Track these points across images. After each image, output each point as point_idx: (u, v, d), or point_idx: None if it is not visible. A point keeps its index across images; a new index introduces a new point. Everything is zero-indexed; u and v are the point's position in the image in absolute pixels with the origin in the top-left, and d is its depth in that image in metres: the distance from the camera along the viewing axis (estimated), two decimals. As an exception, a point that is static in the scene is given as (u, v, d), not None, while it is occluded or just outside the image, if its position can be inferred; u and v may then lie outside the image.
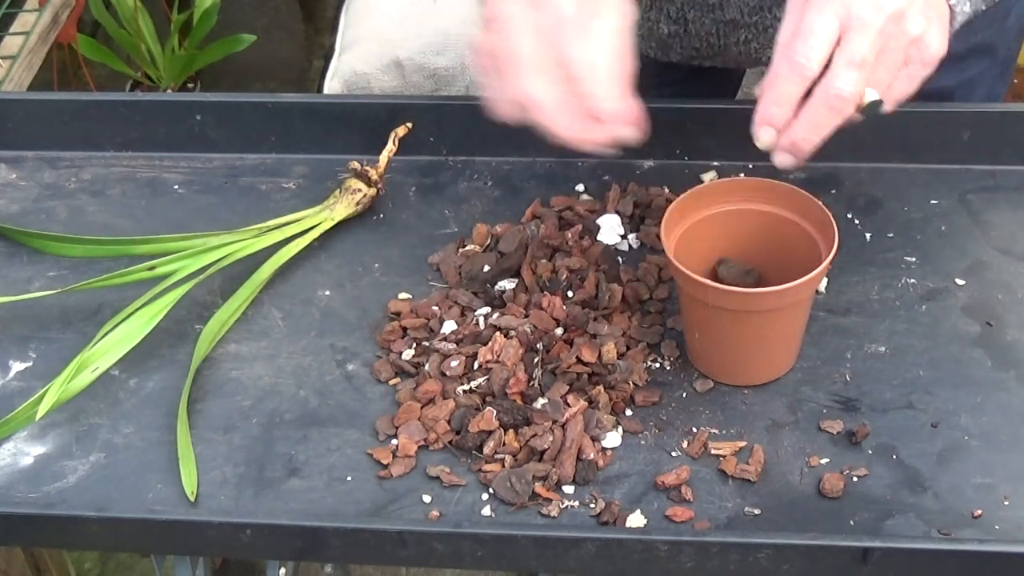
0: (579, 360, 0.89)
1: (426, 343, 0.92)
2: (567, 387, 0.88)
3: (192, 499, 0.83)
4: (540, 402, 0.87)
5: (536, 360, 0.89)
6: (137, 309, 0.92)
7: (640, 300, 0.94)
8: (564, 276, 0.95)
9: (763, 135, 0.80)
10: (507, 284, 0.95)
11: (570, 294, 0.94)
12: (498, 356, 0.89)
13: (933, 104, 1.09)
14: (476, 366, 0.90)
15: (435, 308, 0.95)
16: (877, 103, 0.79)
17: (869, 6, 0.76)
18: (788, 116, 0.78)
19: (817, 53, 0.76)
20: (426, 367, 0.90)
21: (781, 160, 0.81)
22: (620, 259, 0.98)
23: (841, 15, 0.76)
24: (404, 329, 0.94)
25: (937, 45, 0.80)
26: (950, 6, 0.82)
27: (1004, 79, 1.16)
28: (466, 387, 0.88)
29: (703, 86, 1.21)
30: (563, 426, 0.85)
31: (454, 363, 0.90)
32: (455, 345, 0.91)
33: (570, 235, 0.99)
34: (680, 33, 1.12)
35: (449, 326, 0.93)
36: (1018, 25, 1.12)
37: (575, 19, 0.77)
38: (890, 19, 0.77)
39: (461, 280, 0.97)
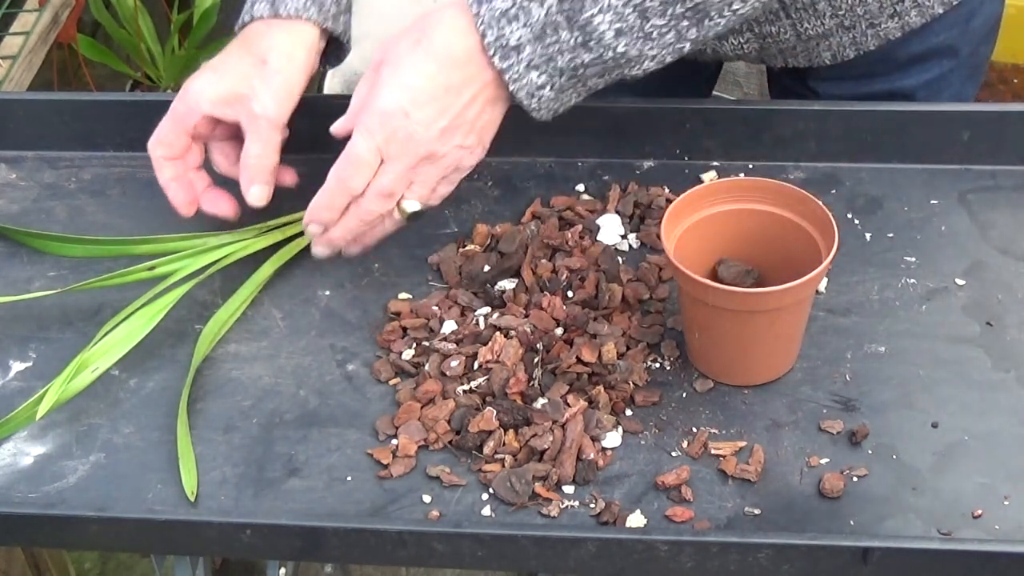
0: (579, 360, 0.89)
1: (426, 343, 0.92)
2: (567, 387, 0.88)
3: (192, 499, 0.83)
4: (540, 402, 0.87)
5: (536, 360, 0.89)
6: (137, 309, 0.92)
7: (640, 300, 0.94)
8: (564, 276, 0.95)
9: (312, 228, 0.93)
10: (507, 284, 0.95)
11: (570, 294, 0.94)
12: (498, 356, 0.89)
13: (933, 104, 1.09)
14: (476, 366, 0.90)
15: (435, 308, 0.95)
16: (418, 212, 0.91)
17: (402, 145, 0.88)
18: (333, 219, 0.91)
19: (360, 178, 0.89)
20: (426, 367, 0.90)
21: (318, 252, 0.94)
22: (620, 259, 0.98)
23: (381, 147, 0.88)
24: (404, 329, 0.94)
25: (476, 158, 0.92)
26: (523, 102, 0.89)
27: (974, 80, 1.17)
28: (466, 387, 0.88)
29: (682, 73, 1.20)
30: (563, 426, 0.85)
31: (454, 363, 0.90)
32: (455, 345, 0.91)
33: (570, 235, 0.99)
34: None
35: (449, 326, 0.93)
36: (985, 27, 1.12)
37: (162, 122, 0.97)
38: (422, 159, 0.89)
39: (461, 280, 0.97)
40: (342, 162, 0.90)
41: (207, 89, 0.96)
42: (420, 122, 0.87)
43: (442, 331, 0.93)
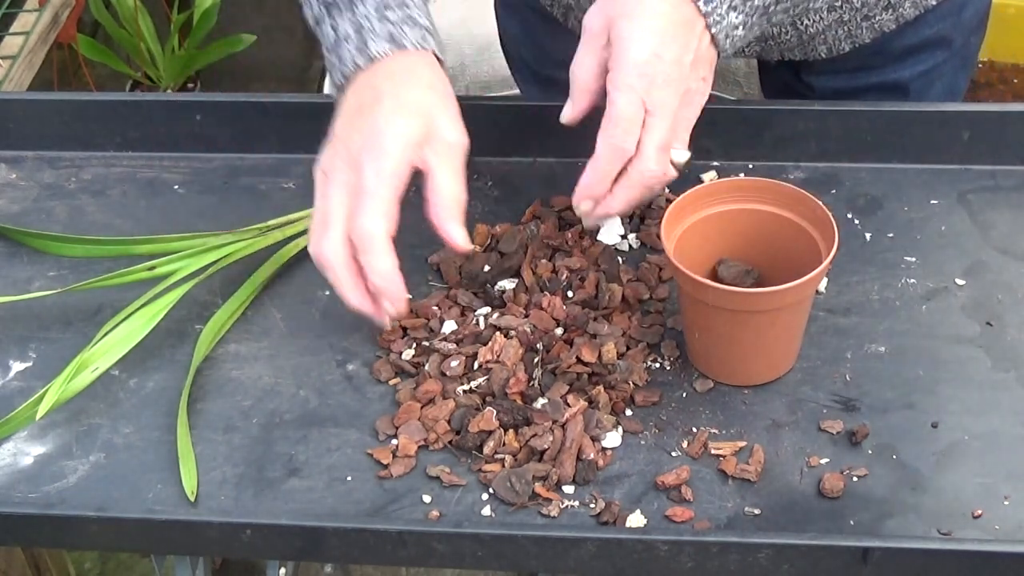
0: (579, 360, 0.88)
1: (426, 343, 0.92)
2: (567, 387, 0.88)
3: (192, 499, 0.83)
4: (540, 402, 0.86)
5: (536, 360, 0.89)
6: (137, 309, 0.92)
7: (640, 300, 0.94)
8: (564, 276, 0.95)
9: (584, 206, 0.87)
10: (507, 284, 0.95)
11: (570, 294, 0.94)
12: (498, 356, 0.89)
13: (933, 104, 1.09)
14: (476, 366, 0.90)
15: (435, 308, 0.95)
16: (689, 158, 0.87)
17: (664, 89, 0.84)
18: (606, 190, 0.86)
19: (631, 137, 0.84)
20: (426, 367, 0.90)
21: (591, 223, 0.89)
22: (620, 259, 0.98)
23: (645, 100, 0.84)
24: (404, 329, 0.94)
25: (707, 95, 0.89)
26: (716, 43, 0.87)
27: (965, 72, 1.17)
28: (466, 387, 0.88)
29: None
30: (563, 426, 0.85)
31: (454, 363, 0.90)
32: (455, 345, 0.91)
33: (570, 235, 0.99)
34: None
35: (449, 326, 0.93)
36: (976, 19, 1.13)
37: (372, 189, 0.85)
38: (682, 100, 0.86)
39: (461, 280, 0.97)
40: (610, 127, 0.84)
41: (408, 132, 0.86)
42: (673, 61, 0.84)
43: (442, 331, 0.93)
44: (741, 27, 0.87)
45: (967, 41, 1.14)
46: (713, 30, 0.86)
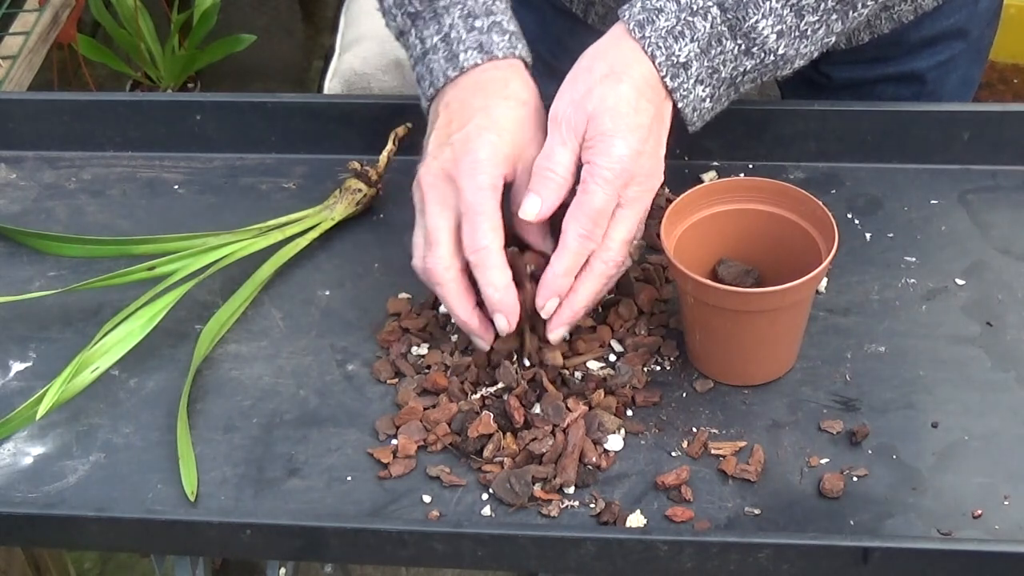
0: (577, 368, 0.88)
1: (426, 343, 0.92)
2: (567, 390, 0.88)
3: (192, 499, 0.83)
4: (538, 407, 0.86)
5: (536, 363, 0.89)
6: (137, 309, 0.92)
7: (652, 302, 0.93)
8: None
9: (550, 305, 0.85)
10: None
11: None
12: (497, 361, 0.89)
13: (933, 104, 1.09)
14: (476, 368, 0.89)
15: (435, 307, 0.95)
16: (642, 245, 0.90)
17: (643, 184, 0.85)
18: (570, 284, 0.85)
19: (601, 230, 0.84)
20: (427, 367, 0.90)
21: (557, 336, 0.87)
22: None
23: (620, 194, 0.84)
24: (404, 329, 0.94)
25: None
26: (684, 117, 0.88)
27: (979, 63, 1.18)
28: (466, 389, 0.88)
29: None
30: (565, 431, 0.85)
31: (455, 364, 0.90)
32: (455, 345, 0.91)
33: None
34: None
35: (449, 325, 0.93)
36: (990, 11, 1.13)
37: (478, 204, 0.85)
38: (650, 191, 0.86)
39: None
40: (583, 219, 0.83)
41: (500, 148, 0.87)
42: (651, 154, 0.85)
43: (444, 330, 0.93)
44: (709, 99, 0.87)
45: (982, 33, 1.14)
46: (680, 104, 0.86)
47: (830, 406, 0.87)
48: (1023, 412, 0.86)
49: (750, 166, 1.05)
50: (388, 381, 0.91)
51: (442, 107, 0.90)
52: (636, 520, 0.81)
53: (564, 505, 0.82)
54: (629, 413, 0.88)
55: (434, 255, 0.86)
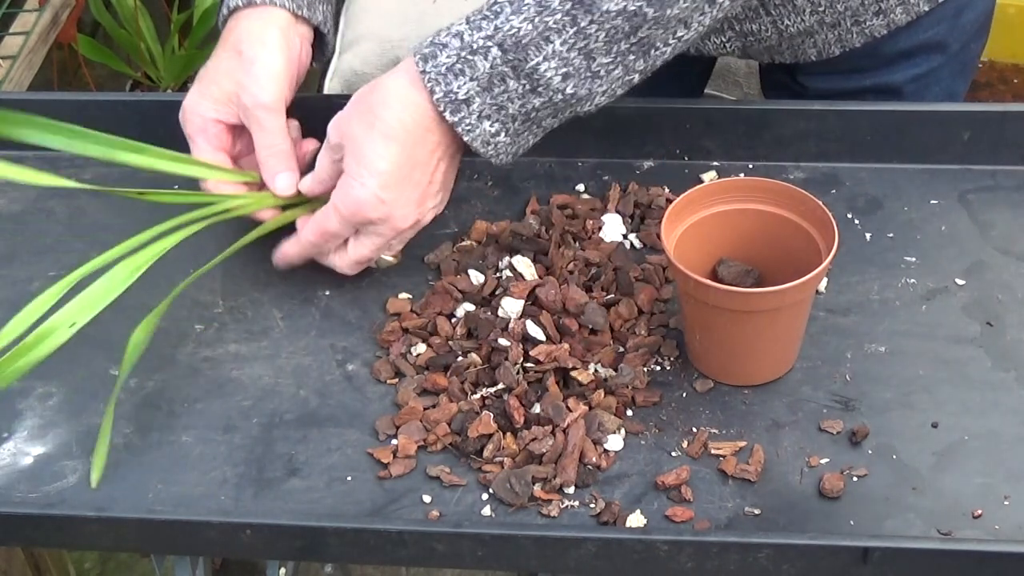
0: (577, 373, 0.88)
1: (426, 344, 0.92)
2: (567, 390, 0.88)
3: (94, 486, 0.83)
4: (538, 407, 0.86)
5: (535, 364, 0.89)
6: (122, 257, 0.89)
7: (653, 301, 0.93)
8: (590, 272, 0.95)
9: (278, 259, 0.96)
10: (507, 272, 0.95)
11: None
12: (498, 361, 0.89)
13: (933, 104, 1.09)
14: (476, 368, 0.89)
15: (435, 308, 0.95)
16: (392, 263, 0.97)
17: (381, 227, 0.91)
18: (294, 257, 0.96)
19: (332, 246, 0.94)
20: (428, 368, 0.90)
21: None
22: (629, 257, 0.98)
23: (360, 229, 0.92)
24: (404, 329, 0.94)
25: (442, 207, 0.96)
26: (477, 151, 0.90)
27: (964, 76, 1.17)
28: (466, 389, 0.88)
29: (677, 69, 1.21)
30: (565, 431, 0.85)
31: (455, 364, 0.90)
32: (455, 346, 0.91)
33: (589, 225, 0.99)
34: None
35: (447, 326, 0.93)
36: (976, 24, 1.12)
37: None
38: (400, 231, 0.92)
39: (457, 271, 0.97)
40: (316, 232, 0.92)
41: (201, 102, 0.97)
42: (396, 203, 0.89)
43: (442, 331, 0.93)
44: (502, 134, 0.88)
45: (965, 46, 1.13)
46: (466, 138, 0.87)
47: (830, 406, 0.87)
48: (1023, 412, 0.86)
49: (750, 166, 1.05)
50: (388, 381, 0.91)
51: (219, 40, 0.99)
52: (636, 520, 0.81)
53: (564, 505, 0.82)
54: (629, 413, 0.88)
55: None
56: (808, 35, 1.07)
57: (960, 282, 0.96)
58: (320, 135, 1.09)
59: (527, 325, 0.90)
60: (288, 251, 0.95)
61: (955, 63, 1.13)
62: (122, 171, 1.10)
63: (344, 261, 0.94)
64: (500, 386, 0.88)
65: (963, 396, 0.87)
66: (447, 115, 0.86)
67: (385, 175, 0.88)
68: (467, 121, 0.87)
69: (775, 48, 1.09)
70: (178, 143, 1.10)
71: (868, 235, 1.00)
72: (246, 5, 0.97)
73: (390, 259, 0.97)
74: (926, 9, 1.06)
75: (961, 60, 1.14)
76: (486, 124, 0.87)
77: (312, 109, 1.08)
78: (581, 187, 1.05)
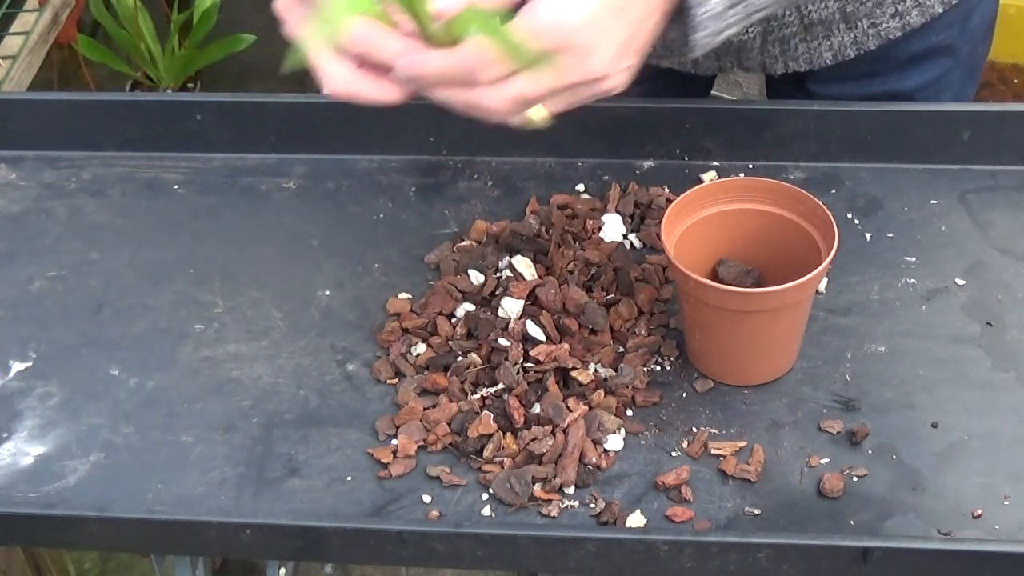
0: (577, 375, 0.88)
1: (426, 344, 0.92)
2: (567, 391, 0.88)
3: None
4: (538, 407, 0.86)
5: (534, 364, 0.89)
6: None
7: (653, 301, 0.93)
8: (590, 272, 0.95)
9: (400, 71, 0.74)
10: (507, 272, 0.95)
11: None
12: (498, 361, 0.89)
13: (933, 104, 1.09)
14: (476, 368, 0.89)
15: (435, 308, 0.95)
16: (544, 118, 0.78)
17: (572, 60, 0.74)
18: (426, 84, 0.75)
19: (492, 73, 0.73)
20: (428, 368, 0.90)
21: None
22: (629, 257, 0.98)
23: (539, 50, 0.73)
24: (404, 329, 0.94)
25: (624, 86, 0.78)
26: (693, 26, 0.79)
27: (972, 80, 1.16)
28: (466, 389, 0.88)
29: (673, 81, 1.20)
30: (565, 431, 0.85)
31: (455, 364, 0.90)
32: (455, 346, 0.91)
33: (589, 225, 0.99)
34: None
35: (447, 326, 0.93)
36: (982, 28, 1.12)
37: None
38: (584, 82, 0.76)
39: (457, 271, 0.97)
40: (480, 50, 0.72)
41: None
42: (602, 35, 0.74)
43: (441, 331, 0.93)
44: (722, 4, 0.80)
45: (974, 50, 1.13)
46: (699, 12, 0.78)
47: (830, 406, 0.87)
48: (1023, 412, 0.86)
49: (750, 166, 1.05)
50: (388, 381, 0.91)
51: None
52: (636, 520, 0.81)
53: (564, 505, 0.82)
54: (629, 413, 0.88)
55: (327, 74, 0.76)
56: (826, 27, 1.06)
57: (960, 282, 0.96)
58: (320, 135, 1.09)
59: (527, 325, 0.90)
60: (418, 68, 0.73)
61: (964, 67, 1.13)
62: (122, 171, 1.10)
63: (499, 96, 0.74)
64: (500, 386, 0.88)
65: (963, 396, 0.87)
66: None
67: (595, 16, 0.73)
68: None
69: (792, 51, 1.08)
70: (178, 143, 1.10)
71: (868, 235, 1.00)
72: None
73: (542, 117, 0.77)
74: (939, 11, 1.05)
75: (969, 64, 1.14)
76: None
77: (312, 109, 1.09)
78: (581, 187, 1.05)
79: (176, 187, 1.08)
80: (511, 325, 0.90)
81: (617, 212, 1.02)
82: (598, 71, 0.75)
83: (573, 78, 0.75)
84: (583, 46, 0.73)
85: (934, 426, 0.86)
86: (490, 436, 0.85)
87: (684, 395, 0.89)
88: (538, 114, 0.77)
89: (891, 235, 0.99)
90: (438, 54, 0.73)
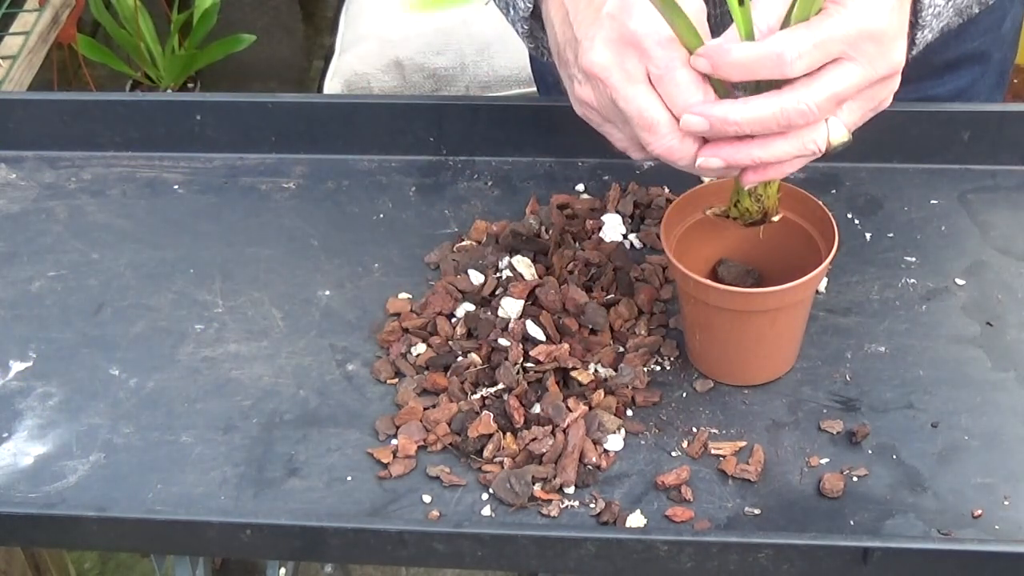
0: (576, 376, 0.88)
1: (426, 344, 0.92)
2: (567, 390, 0.88)
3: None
4: (537, 407, 0.86)
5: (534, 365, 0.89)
6: None
7: (653, 301, 0.93)
8: (590, 272, 0.95)
9: (712, 162, 0.76)
10: (507, 272, 0.95)
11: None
12: (498, 361, 0.89)
13: (933, 104, 1.09)
14: (476, 368, 0.89)
15: (435, 308, 0.95)
16: (840, 145, 0.77)
17: (884, 60, 0.74)
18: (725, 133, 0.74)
19: (814, 59, 0.72)
20: (428, 368, 0.90)
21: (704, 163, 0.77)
22: (629, 257, 0.98)
23: (859, 48, 0.73)
24: (404, 329, 0.94)
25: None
26: (913, 40, 0.80)
27: (1000, 87, 1.15)
28: (466, 389, 0.88)
29: None
30: (565, 431, 0.85)
31: (455, 364, 0.90)
32: (455, 346, 0.91)
33: (589, 225, 0.99)
34: None
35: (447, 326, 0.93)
36: (1013, 33, 1.11)
37: (660, 60, 0.74)
38: (886, 78, 0.75)
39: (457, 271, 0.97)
40: (785, 37, 0.70)
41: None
42: (898, 35, 0.73)
43: (441, 331, 0.93)
44: (941, 4, 0.80)
45: (1004, 56, 1.12)
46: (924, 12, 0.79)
47: (830, 406, 0.87)
48: (1023, 412, 0.86)
49: (750, 166, 1.05)
50: (388, 381, 0.91)
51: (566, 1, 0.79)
52: (636, 520, 0.81)
53: (564, 505, 0.82)
54: (629, 413, 0.88)
55: (659, 137, 0.75)
56: None
57: (960, 282, 0.96)
58: (320, 135, 1.09)
59: (527, 325, 0.90)
60: (721, 56, 0.72)
61: (995, 73, 1.11)
62: (122, 171, 1.10)
63: (813, 93, 0.72)
64: (500, 386, 0.88)
65: (963, 396, 0.87)
66: None
67: (895, 5, 0.72)
68: None
69: None
70: (178, 143, 1.10)
71: (868, 235, 1.00)
72: None
73: (842, 136, 0.76)
74: (976, 11, 1.03)
75: (999, 71, 1.12)
76: None
77: (312, 109, 1.09)
78: (581, 187, 1.05)
79: (176, 187, 1.08)
80: (511, 325, 0.90)
81: (617, 212, 1.02)
82: (899, 62, 0.74)
83: (882, 70, 0.73)
84: (889, 34, 0.72)
85: (934, 426, 0.86)
86: (490, 436, 0.85)
87: (684, 395, 0.89)
88: (838, 134, 0.76)
89: (891, 235, 0.99)
90: (743, 44, 0.72)
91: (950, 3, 0.83)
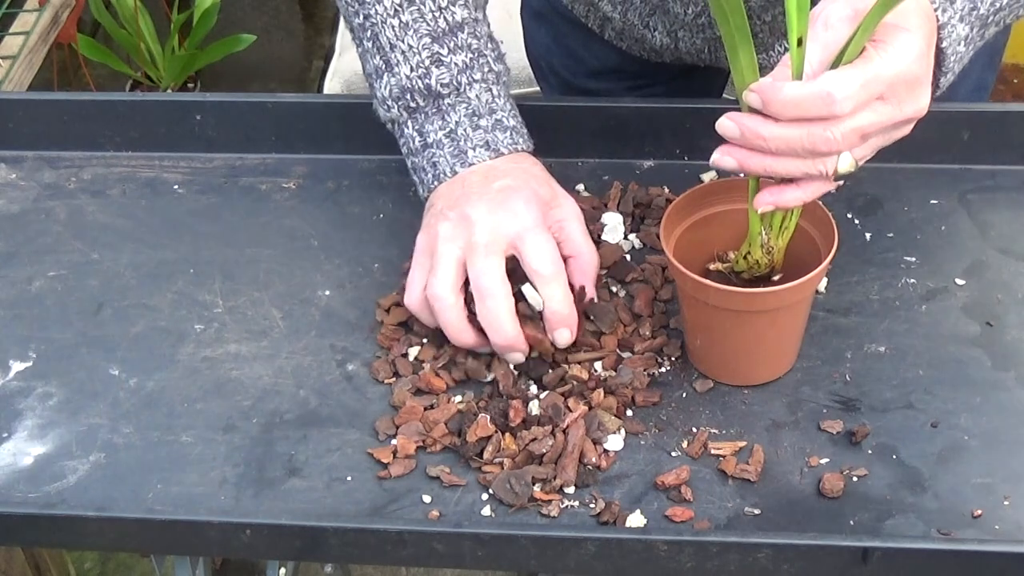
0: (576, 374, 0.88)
1: (426, 344, 0.92)
2: (567, 390, 0.88)
3: None
4: (537, 408, 0.86)
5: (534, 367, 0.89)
6: None
7: (652, 302, 0.93)
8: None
9: (725, 161, 0.80)
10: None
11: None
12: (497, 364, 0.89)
13: (933, 104, 1.09)
14: (475, 368, 0.89)
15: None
16: (845, 174, 0.80)
17: (909, 99, 0.78)
18: (759, 146, 0.78)
19: (841, 107, 0.76)
20: (426, 367, 0.90)
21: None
22: (627, 257, 0.98)
23: (891, 92, 0.77)
24: (404, 329, 0.94)
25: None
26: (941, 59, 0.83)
27: (993, 66, 1.16)
28: (465, 391, 0.88)
29: (694, 81, 1.21)
30: (565, 431, 0.85)
31: (455, 364, 0.90)
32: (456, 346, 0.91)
33: (589, 225, 0.99)
34: (671, 47, 1.12)
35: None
36: None
37: (485, 246, 0.86)
38: (906, 121, 0.79)
39: None
40: (835, 80, 0.74)
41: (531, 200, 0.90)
42: (926, 81, 0.78)
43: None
44: (963, 42, 0.83)
45: (996, 36, 1.13)
46: (944, 43, 0.82)
47: (830, 406, 0.87)
48: (1023, 412, 0.86)
49: (750, 166, 1.05)
50: (387, 381, 0.91)
51: (456, 185, 0.92)
52: (636, 520, 0.81)
53: (564, 505, 0.82)
54: (629, 413, 0.88)
55: (438, 280, 0.87)
56: None
57: (960, 282, 0.96)
58: (321, 135, 1.09)
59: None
60: (772, 94, 0.76)
61: (985, 53, 1.12)
62: (122, 171, 1.10)
63: (841, 128, 0.75)
64: (500, 386, 0.88)
65: (963, 396, 0.87)
66: (939, 14, 0.80)
67: (924, 54, 0.77)
68: (952, 22, 0.81)
69: None
70: (178, 143, 1.10)
71: (868, 235, 1.00)
72: (497, 155, 0.93)
73: (848, 166, 0.78)
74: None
75: (991, 51, 1.13)
76: (960, 27, 0.82)
77: (312, 109, 1.09)
78: (581, 187, 1.05)
79: (176, 187, 1.08)
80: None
81: (617, 212, 1.02)
82: (924, 106, 0.79)
83: (909, 112, 0.78)
84: (921, 79, 0.77)
85: (934, 426, 0.86)
86: (489, 437, 0.85)
87: (684, 395, 0.89)
88: (846, 163, 0.78)
89: (891, 235, 0.99)
90: (794, 83, 0.76)
91: (971, 48, 0.85)
